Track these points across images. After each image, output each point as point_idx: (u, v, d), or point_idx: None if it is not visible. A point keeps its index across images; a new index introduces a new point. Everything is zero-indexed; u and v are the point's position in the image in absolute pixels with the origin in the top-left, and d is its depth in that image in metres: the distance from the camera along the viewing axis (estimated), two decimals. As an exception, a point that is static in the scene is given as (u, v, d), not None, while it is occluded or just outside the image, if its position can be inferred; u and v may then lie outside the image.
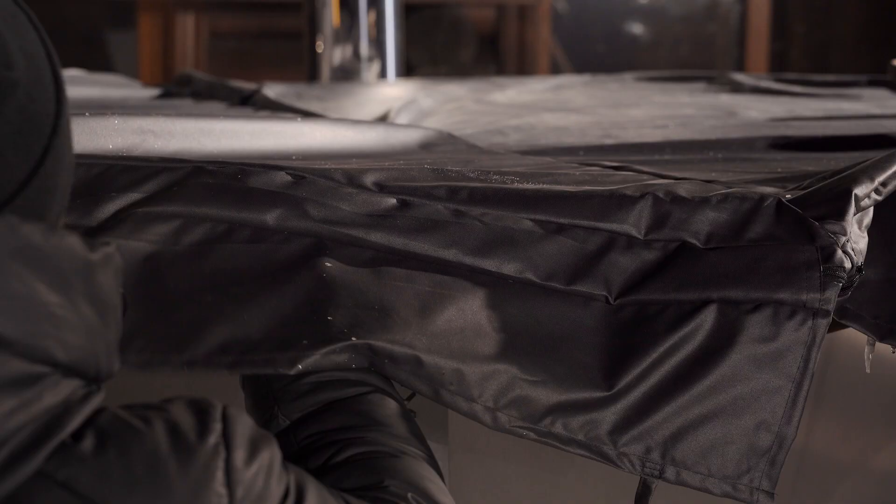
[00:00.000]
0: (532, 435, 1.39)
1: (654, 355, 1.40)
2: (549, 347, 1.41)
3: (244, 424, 1.09)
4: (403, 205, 1.49)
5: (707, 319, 1.41)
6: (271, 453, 1.10)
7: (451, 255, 1.45)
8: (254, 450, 1.08)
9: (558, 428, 1.38)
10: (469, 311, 1.42)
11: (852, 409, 1.88)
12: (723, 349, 1.40)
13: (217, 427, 1.07)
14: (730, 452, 1.39)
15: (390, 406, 1.36)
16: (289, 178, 1.50)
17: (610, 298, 1.44)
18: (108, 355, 1.07)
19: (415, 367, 1.36)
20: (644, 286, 1.44)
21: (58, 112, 1.10)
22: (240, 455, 1.07)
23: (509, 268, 1.45)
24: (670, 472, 1.38)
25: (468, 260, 1.45)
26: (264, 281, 1.42)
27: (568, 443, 1.39)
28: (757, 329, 1.40)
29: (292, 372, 1.34)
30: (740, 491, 1.39)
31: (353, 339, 1.35)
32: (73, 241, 1.05)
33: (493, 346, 1.40)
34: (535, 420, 1.39)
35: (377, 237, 1.46)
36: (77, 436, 1.03)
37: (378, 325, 1.37)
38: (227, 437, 1.07)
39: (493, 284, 1.44)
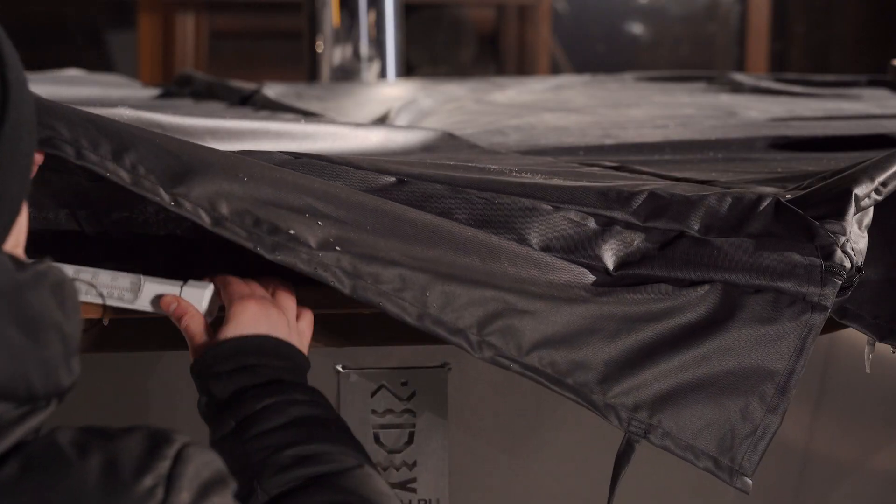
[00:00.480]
0: (517, 368, 1.37)
1: (653, 311, 1.40)
2: (546, 277, 1.41)
3: (200, 465, 1.02)
4: (401, 182, 1.49)
5: (711, 293, 1.41)
6: (224, 500, 1.02)
7: None
8: (203, 495, 1.01)
9: (546, 366, 1.37)
10: (463, 242, 1.41)
11: (852, 409, 1.88)
12: (722, 321, 1.40)
13: (163, 466, 1.00)
14: (715, 428, 1.39)
15: (377, 481, 1.32)
16: (287, 157, 1.51)
17: (609, 270, 1.44)
18: (47, 373, 1.01)
19: (398, 286, 1.34)
20: (645, 262, 1.44)
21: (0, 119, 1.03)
22: (182, 498, 0.99)
23: (507, 237, 1.45)
24: (655, 435, 1.38)
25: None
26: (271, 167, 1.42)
27: (556, 383, 1.37)
28: (758, 308, 1.40)
29: (270, 258, 1.32)
30: (722, 469, 1.39)
31: (338, 248, 1.34)
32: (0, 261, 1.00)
33: (486, 272, 1.39)
34: (521, 352, 1.37)
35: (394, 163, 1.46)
36: (1, 461, 0.98)
37: (366, 244, 1.36)
38: (171, 479, 1.00)
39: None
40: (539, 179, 1.52)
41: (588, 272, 1.44)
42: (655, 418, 1.38)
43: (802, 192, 1.50)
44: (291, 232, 1.33)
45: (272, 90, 2.93)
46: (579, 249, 1.45)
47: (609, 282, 1.43)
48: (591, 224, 1.46)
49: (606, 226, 1.46)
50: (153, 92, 3.19)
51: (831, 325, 1.49)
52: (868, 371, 1.57)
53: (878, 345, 1.54)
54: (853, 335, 1.57)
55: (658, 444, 1.38)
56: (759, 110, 2.74)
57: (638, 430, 1.38)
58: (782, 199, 1.47)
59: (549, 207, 1.46)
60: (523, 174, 1.55)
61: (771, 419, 1.39)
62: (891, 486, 1.88)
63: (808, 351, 1.41)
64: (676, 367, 1.39)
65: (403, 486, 1.79)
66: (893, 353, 1.54)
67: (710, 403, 1.38)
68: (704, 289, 1.41)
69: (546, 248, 1.44)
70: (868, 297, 1.53)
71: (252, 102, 2.82)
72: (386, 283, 1.34)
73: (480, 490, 1.81)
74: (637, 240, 1.45)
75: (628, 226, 1.46)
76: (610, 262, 1.44)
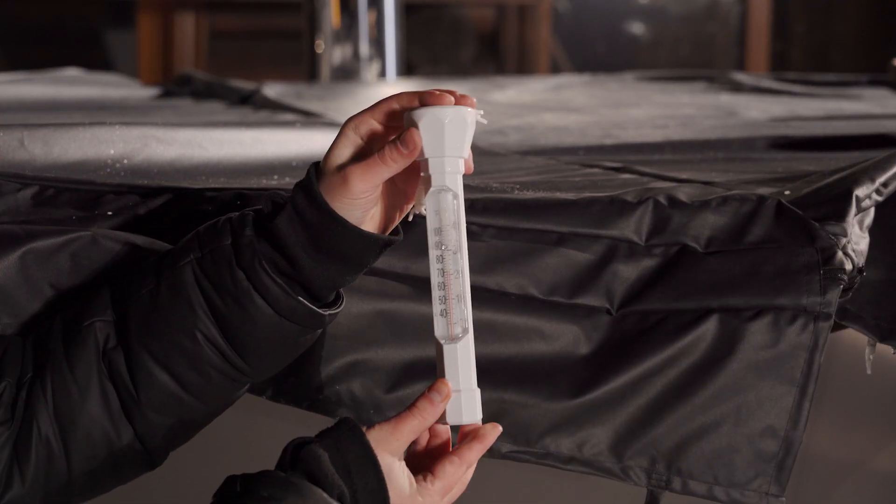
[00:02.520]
0: (530, 458, 1.39)
1: (655, 365, 1.39)
2: (543, 368, 1.41)
3: None
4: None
5: (708, 330, 1.40)
6: None
7: None
8: None
9: (556, 448, 1.39)
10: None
11: (852, 410, 1.88)
12: (724, 358, 1.39)
13: None
14: (737, 460, 1.38)
15: None
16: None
17: (612, 310, 1.43)
18: None
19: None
20: (645, 295, 1.42)
21: None
22: None
23: (511, 285, 1.43)
24: (676, 483, 1.38)
25: (470, 280, 1.43)
26: None
27: (568, 462, 1.39)
28: (758, 337, 1.39)
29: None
30: (749, 497, 1.38)
31: (336, 385, 1.38)
32: None
33: (484, 372, 1.38)
34: (531, 443, 1.39)
35: (378, 262, 1.43)
36: None
37: (370, 375, 1.40)
38: None
39: (492, 304, 1.43)
40: (542, 194, 1.50)
41: (583, 336, 1.42)
42: (674, 467, 1.38)
43: (802, 193, 1.49)
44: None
45: (272, 90, 2.93)
46: (583, 291, 1.43)
47: (611, 322, 1.42)
48: (594, 254, 1.45)
49: (609, 252, 1.45)
50: (153, 92, 3.19)
51: (832, 326, 1.49)
52: (868, 372, 1.57)
53: (879, 345, 1.54)
54: (853, 335, 1.57)
55: (681, 491, 1.38)
56: (759, 110, 2.74)
57: (659, 483, 1.38)
58: (783, 202, 1.46)
59: (551, 241, 1.45)
60: (525, 190, 1.54)
61: (792, 436, 1.38)
62: (891, 486, 1.88)
63: (818, 363, 1.40)
64: (687, 414, 1.38)
65: (403, 486, 1.78)
66: (894, 353, 1.53)
67: (727, 439, 1.38)
68: (703, 327, 1.40)
69: (552, 292, 1.43)
70: (869, 297, 1.53)
71: (252, 102, 2.82)
72: (391, 409, 1.39)
73: (480, 490, 1.81)
74: (638, 269, 1.44)
75: (631, 249, 1.44)
76: (613, 302, 1.43)
